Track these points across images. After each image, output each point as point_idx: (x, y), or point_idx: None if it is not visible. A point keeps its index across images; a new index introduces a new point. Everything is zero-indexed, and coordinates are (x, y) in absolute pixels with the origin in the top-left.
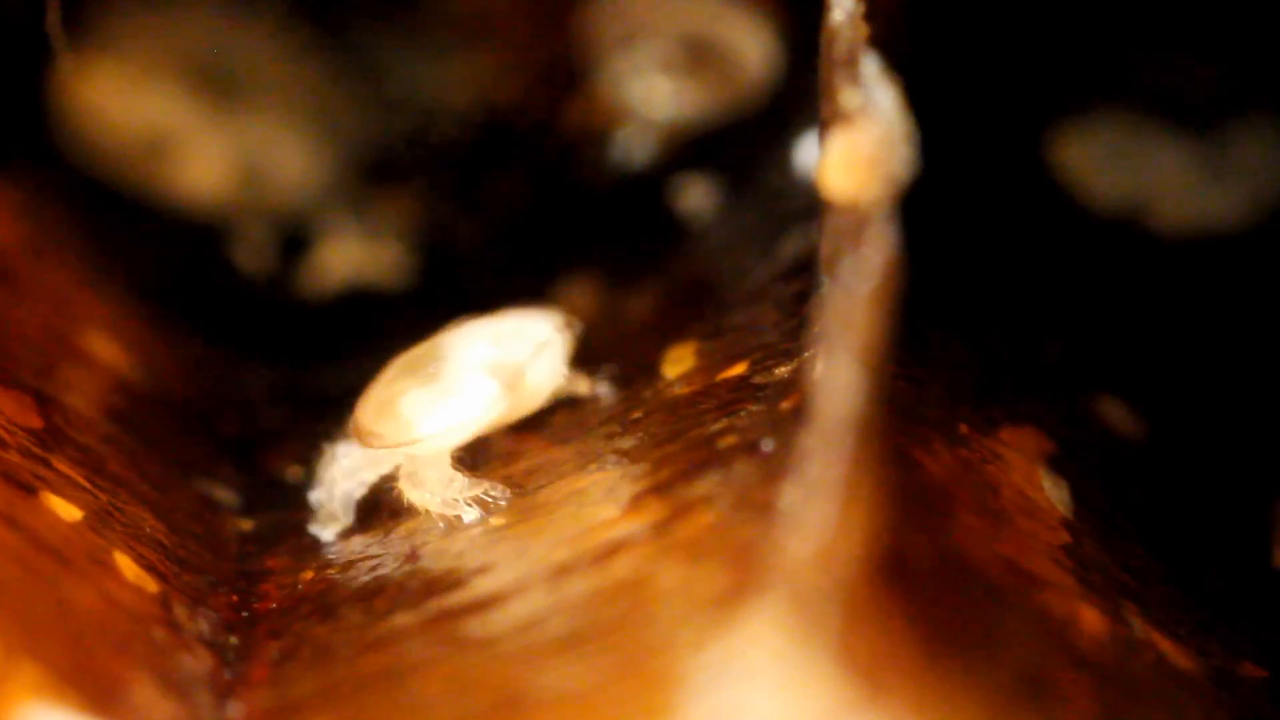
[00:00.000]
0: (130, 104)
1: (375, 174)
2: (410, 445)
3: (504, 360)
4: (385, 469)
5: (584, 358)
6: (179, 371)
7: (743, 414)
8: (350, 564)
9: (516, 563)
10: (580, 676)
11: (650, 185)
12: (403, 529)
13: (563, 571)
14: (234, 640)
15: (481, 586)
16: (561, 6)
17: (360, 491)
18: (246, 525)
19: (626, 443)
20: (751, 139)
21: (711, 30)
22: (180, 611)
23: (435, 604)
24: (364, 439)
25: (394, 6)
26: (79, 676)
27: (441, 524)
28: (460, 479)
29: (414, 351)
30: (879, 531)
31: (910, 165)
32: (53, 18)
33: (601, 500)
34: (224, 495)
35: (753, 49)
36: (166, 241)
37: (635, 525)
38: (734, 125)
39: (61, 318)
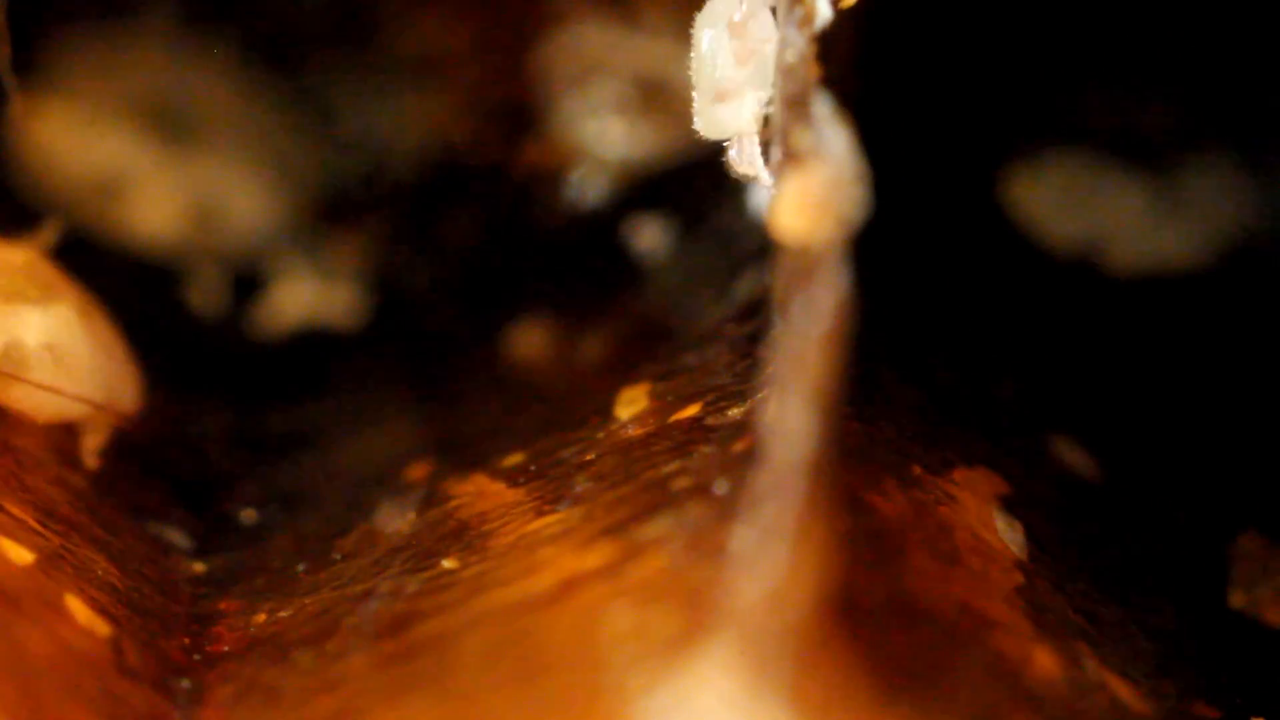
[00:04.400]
0: (83, 144)
1: (328, 215)
2: None
3: None
4: None
5: None
6: (131, 413)
7: (695, 456)
8: (303, 606)
9: (469, 604)
10: (532, 718)
11: (603, 226)
12: (354, 568)
13: (515, 612)
14: (186, 683)
15: (434, 627)
16: (514, 47)
17: None
18: (199, 568)
19: (580, 484)
20: (705, 180)
21: (664, 71)
22: (132, 654)
23: (387, 645)
24: None
25: (347, 48)
26: (31, 719)
27: None
28: None
29: None
30: (831, 573)
31: (863, 206)
32: (4, 58)
33: (554, 542)
34: (176, 538)
35: None
36: (119, 282)
37: (588, 567)
38: (687, 166)
39: None
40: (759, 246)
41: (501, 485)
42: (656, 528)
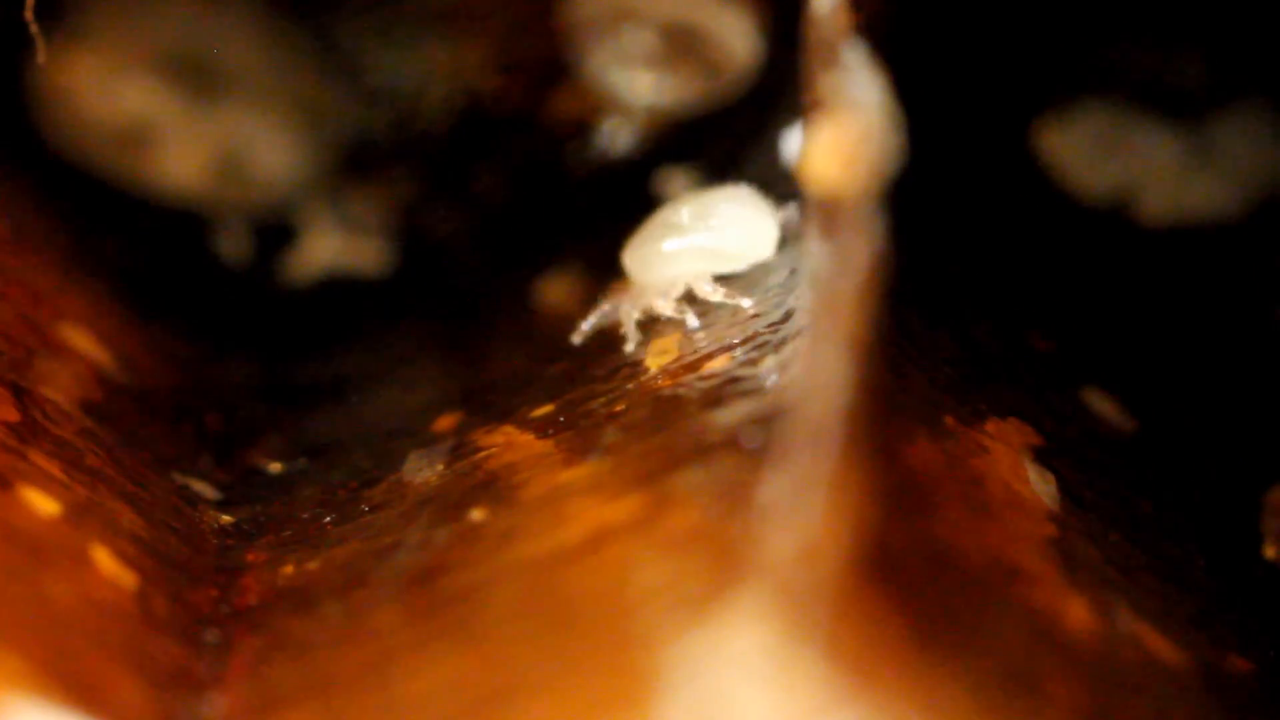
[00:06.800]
0: (109, 95)
1: (356, 165)
2: None
3: None
4: None
5: None
6: (157, 364)
7: (726, 407)
8: (331, 558)
9: (498, 556)
10: (563, 670)
11: (633, 176)
12: (382, 520)
13: (545, 564)
14: (213, 635)
15: (463, 580)
16: None
17: None
18: (226, 519)
19: (610, 436)
20: (735, 129)
21: (694, 19)
22: (159, 606)
23: (416, 597)
24: None
25: None
26: (57, 670)
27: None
28: None
29: None
30: (863, 524)
31: (896, 155)
32: (30, 9)
33: (584, 494)
34: (203, 488)
35: (736, 37)
36: (145, 233)
37: (618, 519)
38: (718, 115)
39: (38, 310)
40: (790, 196)
41: (531, 436)
42: (687, 479)
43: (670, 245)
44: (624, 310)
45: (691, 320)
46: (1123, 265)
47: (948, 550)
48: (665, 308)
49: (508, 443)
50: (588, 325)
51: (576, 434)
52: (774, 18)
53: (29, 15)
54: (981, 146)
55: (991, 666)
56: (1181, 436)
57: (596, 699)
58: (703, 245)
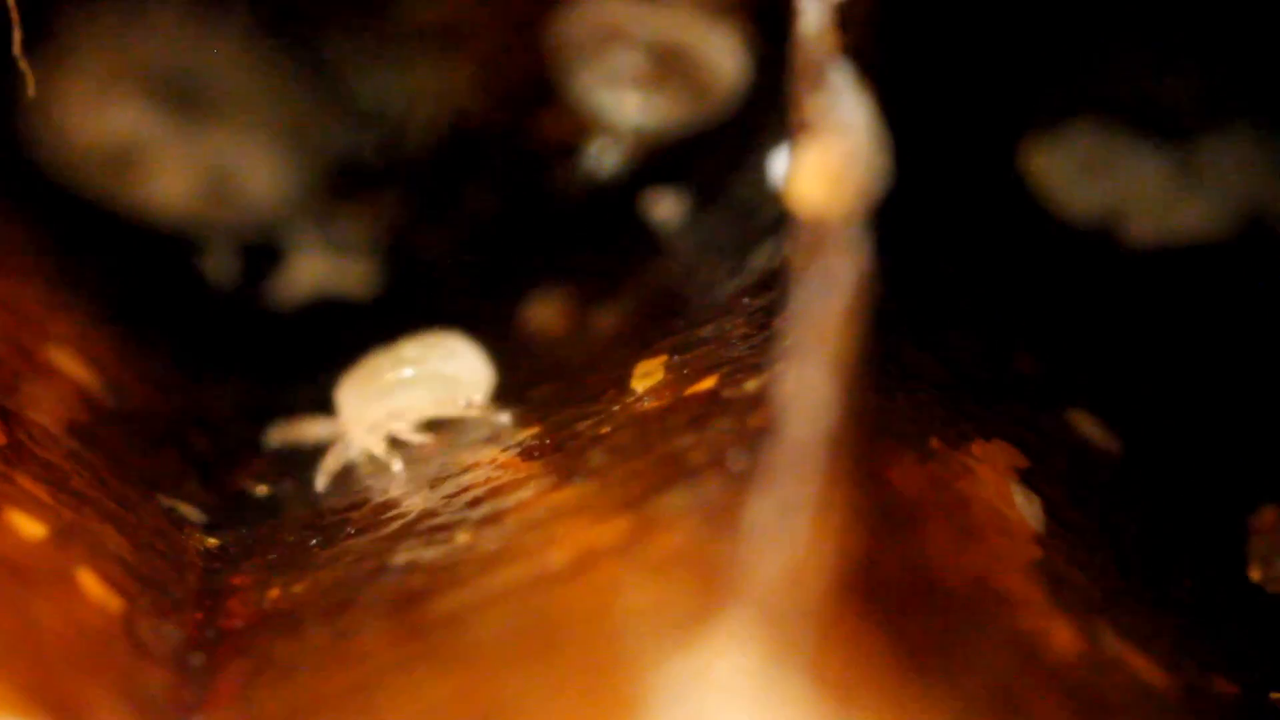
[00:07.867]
0: (97, 117)
1: (343, 186)
2: None
3: None
4: None
5: None
6: (144, 386)
7: (712, 429)
8: (316, 581)
9: (484, 578)
10: (549, 693)
11: (620, 197)
12: (368, 543)
13: (530, 587)
14: (199, 658)
15: (449, 602)
16: (530, 18)
17: None
18: (212, 542)
19: (595, 458)
20: (722, 150)
21: (682, 40)
22: (144, 629)
23: (402, 620)
24: None
25: (362, 18)
26: (42, 694)
27: None
28: None
29: None
30: (848, 547)
31: (883, 177)
32: (18, 45)
33: (570, 516)
34: (189, 512)
35: (724, 58)
36: (132, 255)
37: (604, 542)
38: (704, 137)
39: (25, 332)
40: (776, 218)
41: (517, 459)
42: (673, 502)
43: (390, 376)
44: (335, 449)
45: (396, 465)
46: (1109, 287)
47: (933, 572)
48: (374, 446)
49: (494, 465)
50: (327, 473)
51: (563, 456)
52: (761, 39)
53: (18, 52)
54: (969, 168)
55: (976, 689)
56: (1167, 459)
57: None
58: (421, 378)
